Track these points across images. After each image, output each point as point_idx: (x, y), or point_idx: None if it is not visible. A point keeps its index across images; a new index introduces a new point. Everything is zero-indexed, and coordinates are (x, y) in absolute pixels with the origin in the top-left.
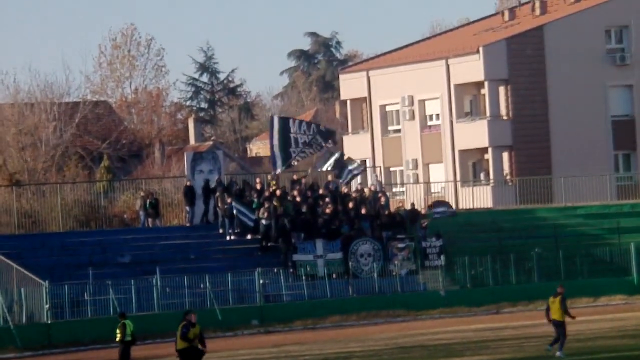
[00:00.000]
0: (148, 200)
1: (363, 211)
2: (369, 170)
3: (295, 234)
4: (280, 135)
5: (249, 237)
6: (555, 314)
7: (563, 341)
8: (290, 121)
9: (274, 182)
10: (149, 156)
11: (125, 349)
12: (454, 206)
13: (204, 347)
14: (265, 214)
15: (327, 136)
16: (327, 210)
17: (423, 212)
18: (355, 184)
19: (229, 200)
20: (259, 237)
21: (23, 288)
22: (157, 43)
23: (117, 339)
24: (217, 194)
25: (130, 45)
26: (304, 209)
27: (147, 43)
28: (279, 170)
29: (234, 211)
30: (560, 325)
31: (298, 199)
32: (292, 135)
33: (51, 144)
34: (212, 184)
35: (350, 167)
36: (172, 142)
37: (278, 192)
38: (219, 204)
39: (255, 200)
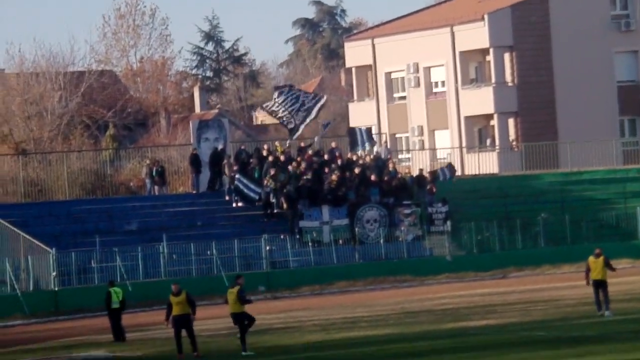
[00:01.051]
0: (154, 168)
1: (372, 177)
2: (375, 137)
3: (301, 201)
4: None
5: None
6: (600, 274)
7: (608, 301)
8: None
9: (280, 148)
10: (154, 125)
11: (112, 316)
12: (458, 171)
13: (193, 314)
14: (270, 182)
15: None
16: (334, 178)
17: (428, 178)
18: (360, 150)
19: (235, 169)
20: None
21: (30, 256)
22: (162, 12)
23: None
24: (225, 161)
25: (135, 14)
26: (309, 175)
27: (151, 12)
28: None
29: (239, 185)
30: (604, 285)
31: (303, 165)
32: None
33: (57, 113)
34: (215, 151)
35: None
36: (178, 111)
37: (282, 159)
38: (226, 172)
39: (257, 168)
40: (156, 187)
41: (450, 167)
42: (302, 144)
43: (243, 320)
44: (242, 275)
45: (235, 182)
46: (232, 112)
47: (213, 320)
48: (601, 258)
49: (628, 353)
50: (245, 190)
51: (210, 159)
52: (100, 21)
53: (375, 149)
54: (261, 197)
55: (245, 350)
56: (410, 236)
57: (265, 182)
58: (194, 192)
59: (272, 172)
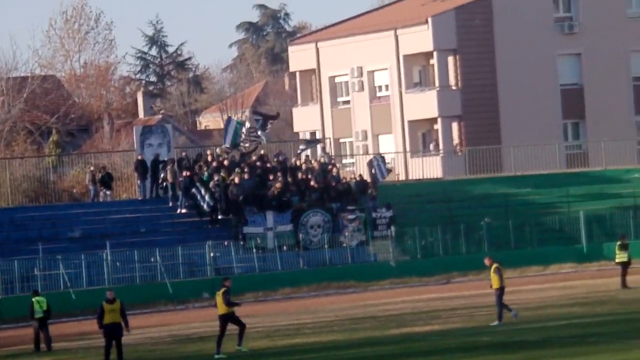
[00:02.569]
0: (100, 175)
1: (312, 183)
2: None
3: (246, 207)
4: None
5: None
6: (495, 283)
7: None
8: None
9: (224, 154)
10: (98, 130)
11: (38, 325)
12: (402, 177)
13: (126, 325)
14: (214, 188)
15: (267, 120)
16: (278, 185)
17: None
18: (304, 155)
19: (184, 174)
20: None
21: None
22: (107, 16)
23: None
24: (168, 167)
25: (81, 19)
26: (251, 182)
27: (96, 16)
28: (227, 145)
29: (195, 193)
30: (501, 292)
31: (247, 171)
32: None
33: None
34: (163, 158)
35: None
36: (121, 116)
37: (226, 163)
38: (169, 178)
39: (206, 173)
40: (101, 193)
41: (382, 158)
42: (244, 150)
43: (229, 322)
44: (229, 277)
45: (193, 190)
46: (176, 117)
47: (157, 328)
48: (493, 267)
49: (571, 357)
50: (199, 200)
51: (150, 165)
52: (46, 25)
53: (319, 151)
54: (210, 207)
55: (219, 354)
56: (354, 242)
57: (211, 186)
58: (140, 198)
59: (216, 178)
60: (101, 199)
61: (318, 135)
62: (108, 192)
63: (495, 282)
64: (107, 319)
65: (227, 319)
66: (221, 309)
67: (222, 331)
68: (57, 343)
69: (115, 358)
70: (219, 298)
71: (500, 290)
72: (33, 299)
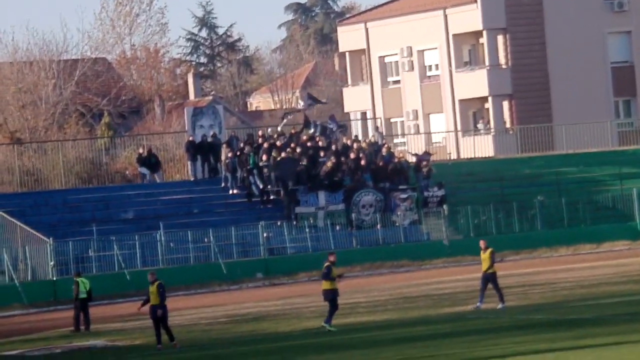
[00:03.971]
0: (146, 156)
1: (363, 162)
2: (369, 122)
3: (298, 186)
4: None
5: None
6: (486, 266)
7: (501, 294)
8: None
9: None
10: (149, 112)
11: (80, 306)
12: (454, 156)
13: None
14: (263, 169)
15: (316, 103)
16: (329, 164)
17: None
18: (355, 133)
19: (230, 155)
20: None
21: (27, 246)
22: (160, 1)
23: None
24: (222, 148)
25: (133, 2)
26: (304, 161)
27: (149, 0)
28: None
29: (250, 180)
30: (491, 277)
31: (298, 149)
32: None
33: (51, 101)
34: (210, 139)
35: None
36: (172, 98)
37: (278, 143)
38: (222, 159)
39: (252, 154)
40: (147, 176)
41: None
42: (293, 131)
43: (334, 297)
44: (334, 252)
45: (250, 176)
46: (226, 98)
47: (212, 308)
48: (488, 251)
49: (625, 335)
50: (252, 186)
51: (198, 146)
52: (98, 8)
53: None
54: (259, 189)
55: (330, 324)
56: (406, 221)
57: (259, 169)
58: (191, 179)
59: (265, 157)
60: (147, 181)
61: (369, 115)
62: (155, 175)
63: (486, 266)
64: (151, 301)
65: (329, 293)
66: (324, 284)
67: (331, 306)
68: (112, 324)
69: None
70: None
71: (493, 274)
72: (77, 280)
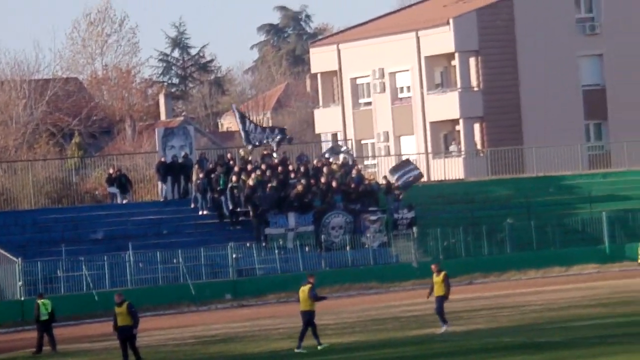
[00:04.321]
0: (115, 176)
1: (334, 184)
2: (340, 144)
3: (268, 208)
4: (240, 124)
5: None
6: (439, 290)
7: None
8: (247, 120)
9: (246, 153)
10: (120, 132)
11: (41, 328)
12: (424, 178)
13: (135, 326)
14: (236, 190)
15: (282, 136)
16: (300, 188)
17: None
18: (327, 155)
19: (201, 176)
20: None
21: None
22: (131, 20)
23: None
24: (193, 169)
25: (104, 22)
26: (274, 183)
27: (120, 20)
28: (249, 147)
29: (222, 200)
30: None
31: (268, 173)
32: (247, 130)
33: (22, 121)
34: (180, 160)
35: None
36: (143, 118)
37: (249, 167)
38: (192, 179)
39: (222, 175)
40: (118, 196)
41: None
42: (265, 151)
43: (312, 319)
44: (314, 274)
45: (221, 197)
46: (198, 119)
47: (180, 329)
48: (442, 274)
49: (594, 358)
50: (223, 207)
51: (168, 167)
52: (69, 28)
53: (341, 156)
54: (229, 209)
55: (320, 344)
56: (376, 243)
57: (229, 188)
58: (162, 200)
59: (234, 179)
60: (119, 201)
61: (340, 137)
62: (124, 195)
63: (440, 290)
64: (118, 321)
65: (309, 314)
66: (304, 305)
67: (305, 326)
68: (80, 344)
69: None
70: (302, 294)
71: (443, 298)
72: (38, 301)
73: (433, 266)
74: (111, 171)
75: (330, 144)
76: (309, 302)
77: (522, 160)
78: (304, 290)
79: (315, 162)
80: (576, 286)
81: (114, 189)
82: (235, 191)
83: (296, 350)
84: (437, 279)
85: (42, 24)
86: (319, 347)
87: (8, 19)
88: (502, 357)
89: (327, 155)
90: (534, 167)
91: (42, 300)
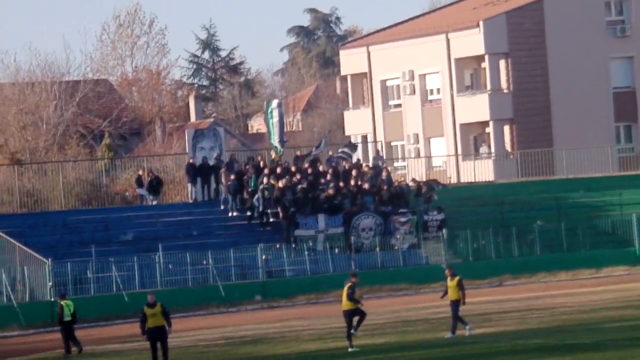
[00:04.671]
0: (149, 179)
1: (365, 186)
2: (370, 145)
3: (297, 210)
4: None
5: (248, 213)
6: (453, 294)
7: (461, 320)
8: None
9: (276, 155)
10: (150, 134)
11: (64, 329)
12: (454, 180)
13: (169, 326)
14: (266, 192)
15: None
16: (330, 191)
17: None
18: (355, 158)
19: (233, 177)
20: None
21: (26, 266)
22: (160, 22)
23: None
24: (222, 170)
25: (134, 24)
26: (304, 185)
27: (150, 22)
28: (280, 150)
29: (254, 202)
30: (456, 304)
31: (298, 175)
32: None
33: (52, 122)
34: (212, 161)
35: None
36: (173, 120)
37: (279, 170)
38: (222, 181)
39: (254, 176)
40: (149, 198)
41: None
42: (299, 153)
43: (352, 318)
44: (357, 273)
45: (251, 198)
46: (227, 121)
47: (210, 330)
48: (456, 279)
49: None
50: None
51: (198, 169)
52: (99, 30)
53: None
54: (259, 211)
55: (352, 347)
56: (406, 244)
57: (260, 190)
58: (191, 201)
59: (265, 181)
60: (149, 203)
61: (370, 139)
62: (155, 197)
63: (454, 294)
64: (149, 323)
65: (351, 314)
66: (344, 304)
67: (349, 325)
68: (110, 345)
69: None
70: (344, 293)
71: (457, 303)
72: (62, 302)
73: (447, 270)
74: (140, 172)
75: (359, 139)
76: (352, 302)
77: (552, 162)
78: (345, 289)
79: (344, 164)
80: (606, 288)
81: (143, 191)
82: (266, 193)
83: (349, 350)
84: (451, 283)
85: (73, 25)
86: (349, 350)
87: (39, 20)
88: (532, 359)
89: (340, 152)
90: (564, 169)
91: (64, 301)
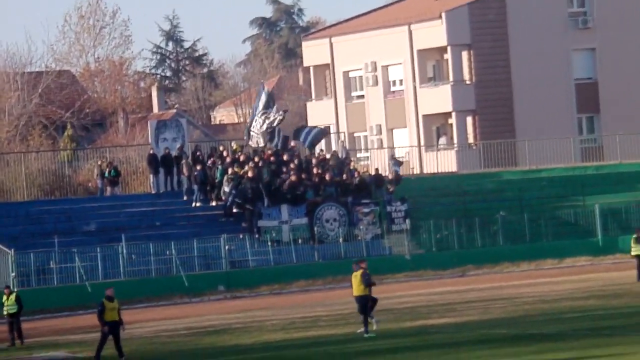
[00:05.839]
0: (107, 169)
1: (327, 177)
2: (333, 137)
3: (260, 200)
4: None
5: (213, 204)
6: (358, 290)
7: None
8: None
9: (238, 146)
10: (112, 125)
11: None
12: (417, 170)
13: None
14: (229, 182)
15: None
16: (292, 179)
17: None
18: (318, 149)
19: (198, 168)
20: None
21: None
22: (123, 13)
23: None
24: (183, 161)
25: (96, 15)
26: (266, 175)
27: (112, 13)
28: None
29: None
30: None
31: (260, 164)
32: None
33: (15, 113)
34: (174, 152)
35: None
36: (136, 111)
37: (241, 159)
38: (185, 172)
39: (220, 167)
40: (109, 188)
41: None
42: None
43: (366, 303)
44: (365, 259)
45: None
46: (190, 112)
47: (173, 320)
48: (359, 272)
49: (586, 350)
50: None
51: (162, 159)
52: (61, 21)
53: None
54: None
55: (367, 332)
56: (369, 235)
57: (225, 180)
58: (153, 192)
59: (230, 171)
60: (108, 194)
61: (332, 130)
62: (115, 188)
63: (358, 290)
64: (107, 316)
65: (363, 299)
66: (357, 290)
67: (363, 311)
68: (72, 335)
69: (116, 352)
70: (355, 279)
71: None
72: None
73: (354, 265)
74: (100, 163)
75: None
76: (362, 287)
77: (515, 153)
78: (357, 275)
79: (307, 154)
80: (569, 278)
81: (101, 183)
82: (229, 183)
83: (365, 336)
84: (356, 273)
85: (35, 16)
86: (365, 335)
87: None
88: (495, 349)
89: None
90: (527, 160)
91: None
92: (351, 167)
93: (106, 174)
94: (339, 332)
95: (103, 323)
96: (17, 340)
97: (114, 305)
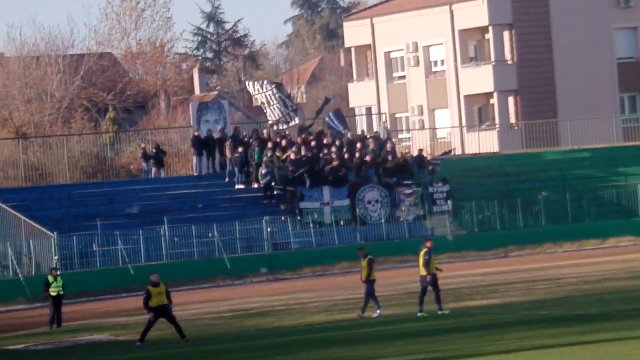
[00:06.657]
0: (154, 151)
1: (368, 158)
2: (374, 117)
3: (301, 182)
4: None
5: (255, 185)
6: (364, 275)
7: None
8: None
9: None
10: (154, 107)
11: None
12: (459, 151)
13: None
14: (267, 165)
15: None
16: (335, 163)
17: (429, 157)
18: (360, 129)
19: (240, 150)
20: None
21: (32, 240)
22: None
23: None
24: (226, 143)
25: None
26: (308, 156)
27: None
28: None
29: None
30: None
31: (302, 147)
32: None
33: (57, 96)
34: (216, 134)
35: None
36: (177, 93)
37: (284, 142)
38: (227, 154)
39: (257, 149)
40: (154, 169)
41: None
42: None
43: (433, 283)
44: (430, 238)
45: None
46: (231, 93)
47: (216, 302)
48: (367, 258)
49: (630, 331)
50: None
51: (203, 141)
52: (103, 3)
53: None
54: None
55: (442, 309)
56: (411, 216)
57: (264, 162)
58: (195, 174)
59: (269, 154)
60: (153, 176)
61: (374, 110)
62: (161, 170)
63: (365, 274)
64: (154, 302)
65: (426, 281)
66: (421, 270)
67: (424, 291)
68: (116, 318)
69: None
70: (420, 259)
71: (371, 283)
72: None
73: (359, 251)
74: (143, 145)
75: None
76: (428, 267)
77: (557, 133)
78: (422, 255)
79: (349, 135)
80: (612, 259)
81: (145, 165)
82: (270, 165)
83: (418, 314)
84: (363, 263)
85: None
86: (438, 312)
87: None
88: (538, 330)
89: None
90: (569, 139)
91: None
92: (388, 149)
93: (152, 156)
94: (381, 313)
95: (149, 310)
96: (53, 324)
97: (159, 290)
